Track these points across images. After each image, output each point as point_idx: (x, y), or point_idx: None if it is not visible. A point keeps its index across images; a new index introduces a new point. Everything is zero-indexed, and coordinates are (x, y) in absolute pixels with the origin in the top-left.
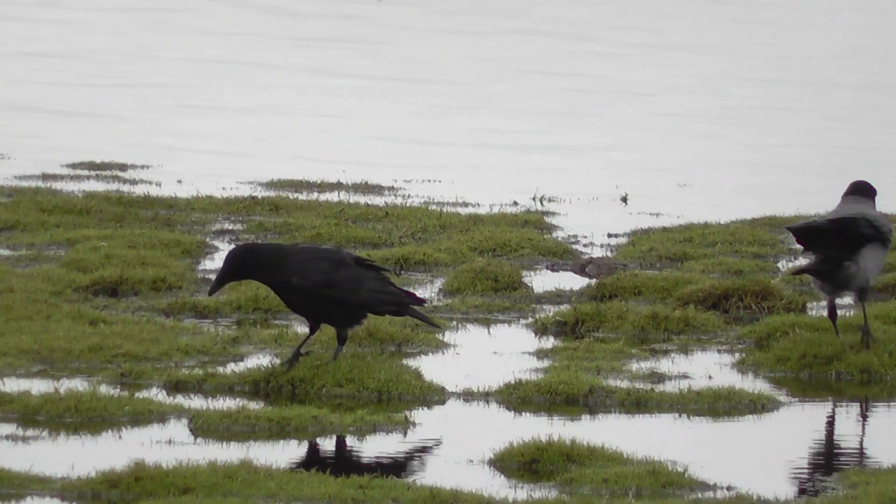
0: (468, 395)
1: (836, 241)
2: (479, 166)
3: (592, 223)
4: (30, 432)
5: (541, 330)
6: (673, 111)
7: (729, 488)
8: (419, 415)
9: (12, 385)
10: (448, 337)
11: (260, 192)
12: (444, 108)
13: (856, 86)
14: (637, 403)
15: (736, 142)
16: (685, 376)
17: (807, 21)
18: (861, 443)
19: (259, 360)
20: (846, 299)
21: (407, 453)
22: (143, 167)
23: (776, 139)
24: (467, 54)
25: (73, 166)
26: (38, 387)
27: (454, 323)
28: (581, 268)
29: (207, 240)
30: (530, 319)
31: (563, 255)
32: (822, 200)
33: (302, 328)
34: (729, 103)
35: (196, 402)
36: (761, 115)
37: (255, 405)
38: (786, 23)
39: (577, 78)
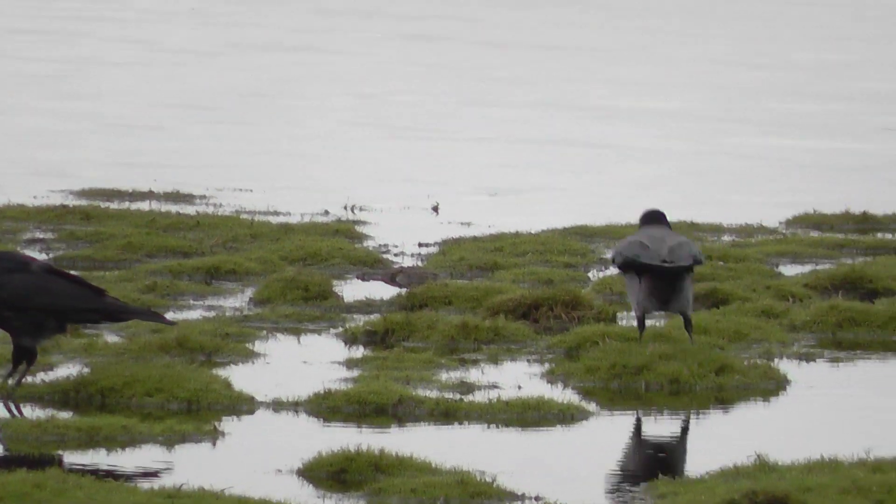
0: (278, 405)
1: (664, 274)
2: (290, 175)
3: (403, 232)
4: None
5: (351, 339)
6: (487, 117)
7: (537, 498)
8: (229, 424)
9: None
10: (258, 346)
11: (71, 201)
12: (246, 116)
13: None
14: (446, 413)
15: (548, 149)
16: (495, 386)
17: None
18: (670, 453)
19: (69, 370)
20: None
21: (216, 463)
22: None
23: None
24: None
25: None
26: None
27: (264, 332)
28: (391, 277)
29: (19, 248)
30: (340, 329)
31: (373, 265)
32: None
33: (112, 337)
34: (535, 110)
35: (4, 412)
36: (562, 118)
37: (65, 414)
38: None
39: (386, 88)
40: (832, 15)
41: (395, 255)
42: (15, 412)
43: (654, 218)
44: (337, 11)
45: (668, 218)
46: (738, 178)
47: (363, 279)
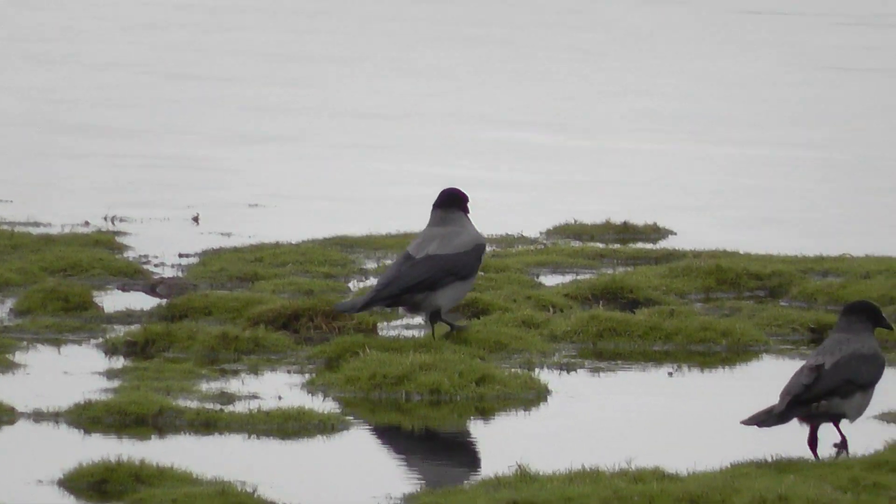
0: (38, 415)
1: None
2: (51, 186)
3: (163, 243)
4: None
5: (111, 350)
6: (242, 126)
7: None
8: None
9: None
10: (18, 357)
11: None
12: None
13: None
14: (207, 424)
15: (308, 159)
16: (255, 396)
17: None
18: (430, 463)
19: None
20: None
21: None
22: None
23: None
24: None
25: None
26: None
27: (24, 343)
28: (152, 288)
29: None
30: (101, 339)
31: (134, 275)
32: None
33: None
34: (304, 118)
35: None
36: (326, 126)
37: None
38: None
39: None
40: None
41: (156, 265)
42: None
43: (444, 203)
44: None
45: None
46: (497, 189)
47: (124, 290)
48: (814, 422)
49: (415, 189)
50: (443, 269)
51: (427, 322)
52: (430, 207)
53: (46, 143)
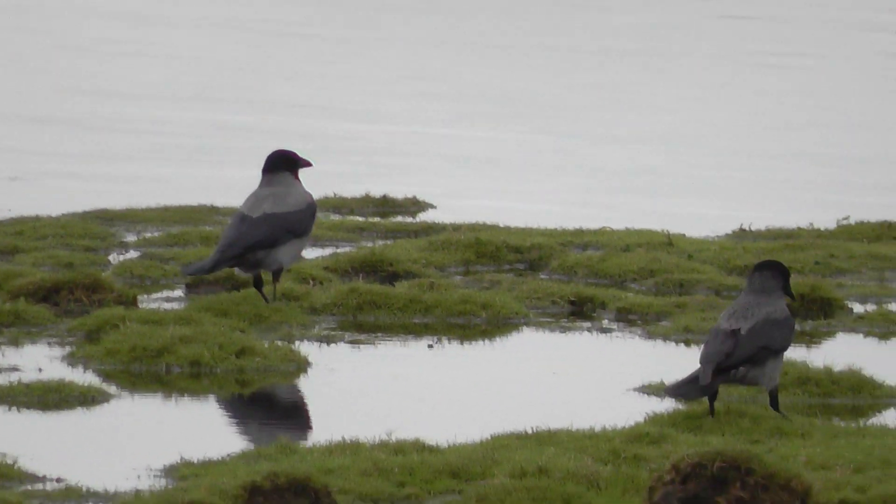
0: None
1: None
2: None
3: None
4: None
5: None
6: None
7: (59, 480)
8: None
9: None
10: None
11: None
12: None
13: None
14: None
15: (66, 134)
16: (15, 369)
17: None
18: (191, 435)
19: None
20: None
21: None
22: None
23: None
24: None
25: None
26: None
27: None
28: None
29: None
30: None
31: None
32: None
33: None
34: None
35: None
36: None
37: None
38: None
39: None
40: None
41: None
42: None
43: (273, 166)
44: None
45: (190, 202)
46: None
47: None
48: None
49: (176, 165)
50: (281, 226)
51: (273, 282)
52: (266, 170)
53: None
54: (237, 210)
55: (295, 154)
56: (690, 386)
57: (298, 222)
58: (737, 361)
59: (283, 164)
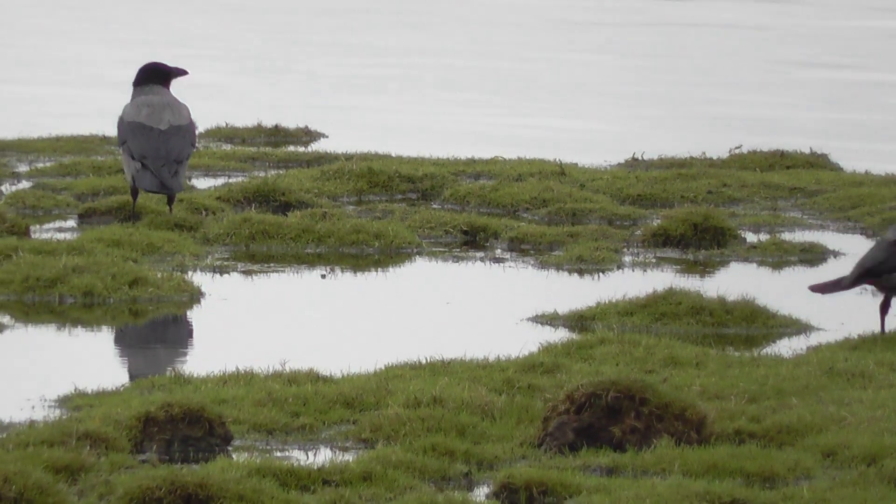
0: None
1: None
2: None
3: None
4: None
5: None
6: None
7: None
8: None
9: None
10: None
11: None
12: None
13: None
14: None
15: None
16: None
17: None
18: (83, 365)
19: None
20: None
21: None
22: None
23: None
24: None
25: None
26: None
27: None
28: None
29: None
30: None
31: None
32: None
33: None
34: None
35: None
36: None
37: None
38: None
39: None
40: None
41: None
42: None
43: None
44: None
45: (82, 132)
46: None
47: None
48: (886, 292)
49: (66, 91)
50: (191, 141)
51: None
52: (149, 81)
53: None
54: (149, 125)
55: (166, 65)
56: (836, 284)
57: (194, 136)
58: (889, 268)
59: (155, 77)
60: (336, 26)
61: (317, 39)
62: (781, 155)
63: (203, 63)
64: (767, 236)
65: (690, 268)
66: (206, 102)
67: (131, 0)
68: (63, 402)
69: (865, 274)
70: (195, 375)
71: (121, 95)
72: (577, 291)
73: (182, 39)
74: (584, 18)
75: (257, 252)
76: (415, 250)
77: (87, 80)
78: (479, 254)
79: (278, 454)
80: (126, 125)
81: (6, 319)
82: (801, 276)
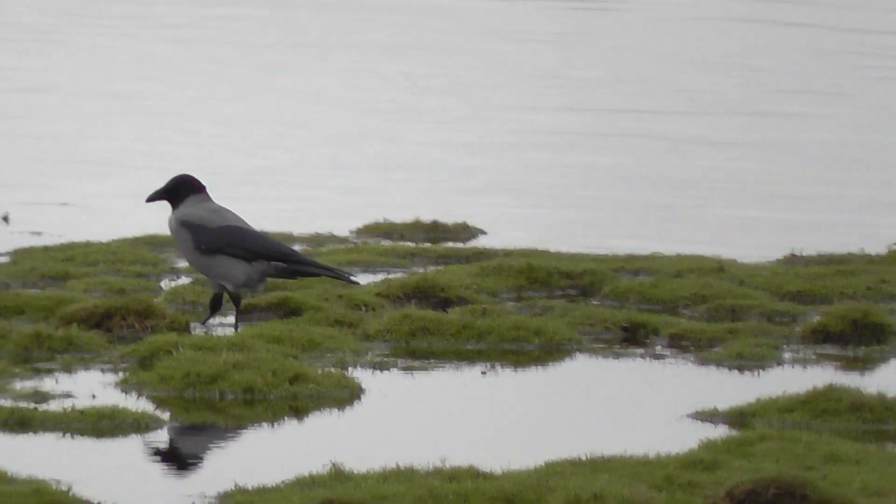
0: None
1: None
2: None
3: None
4: None
5: None
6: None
7: None
8: None
9: None
10: None
11: None
12: None
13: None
14: (21, 422)
15: (122, 158)
16: (69, 395)
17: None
18: (247, 460)
19: None
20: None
21: None
22: None
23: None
24: None
25: None
26: None
27: None
28: None
29: None
30: None
31: None
32: None
33: None
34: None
35: None
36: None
37: None
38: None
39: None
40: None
41: None
42: None
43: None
44: None
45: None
46: (304, 188)
47: None
48: None
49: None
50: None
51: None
52: (199, 190)
53: None
54: (240, 226)
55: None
56: None
57: None
58: None
59: (196, 186)
60: (494, 127)
61: (472, 139)
62: None
63: (360, 159)
64: None
65: (850, 364)
66: (364, 197)
67: (289, 101)
68: (224, 498)
69: None
70: (355, 472)
71: (269, 193)
72: (737, 388)
73: (345, 135)
74: (753, 108)
75: (417, 348)
76: (574, 347)
77: (237, 181)
78: (639, 350)
79: None
80: (219, 230)
81: (167, 415)
82: None
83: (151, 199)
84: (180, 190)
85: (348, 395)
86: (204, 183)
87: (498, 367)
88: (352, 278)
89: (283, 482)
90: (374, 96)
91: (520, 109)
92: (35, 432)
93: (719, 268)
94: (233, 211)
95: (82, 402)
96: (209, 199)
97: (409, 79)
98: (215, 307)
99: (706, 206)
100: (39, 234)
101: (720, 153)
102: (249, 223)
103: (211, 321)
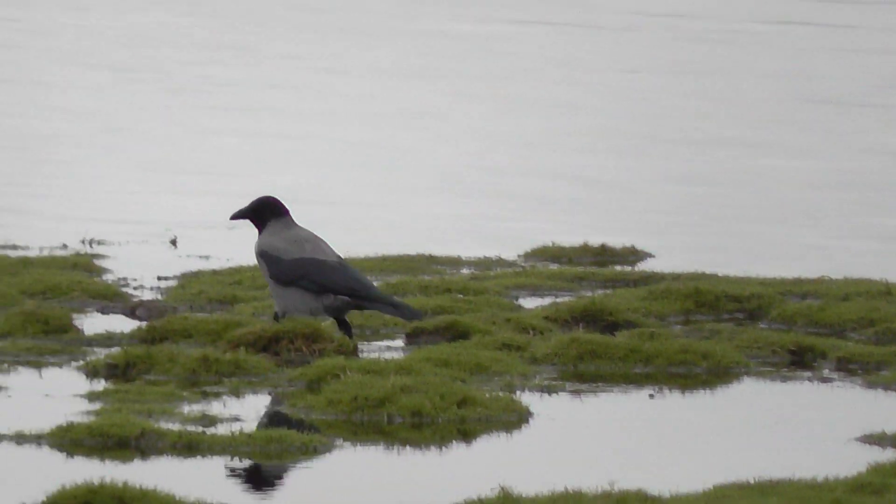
0: (20, 438)
1: None
2: (28, 208)
3: (142, 266)
4: None
5: (92, 372)
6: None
7: None
8: None
9: None
10: None
11: None
12: None
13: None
14: (189, 446)
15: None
16: (237, 419)
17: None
18: (414, 485)
19: None
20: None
21: None
22: None
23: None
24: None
25: None
26: None
27: (5, 365)
28: (131, 310)
29: None
30: (81, 362)
31: (112, 298)
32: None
33: None
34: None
35: None
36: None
37: None
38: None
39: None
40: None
41: (135, 288)
42: None
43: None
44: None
45: (408, 252)
46: (474, 213)
47: (103, 313)
48: None
49: (389, 212)
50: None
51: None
52: (282, 213)
53: (20, 164)
54: (315, 258)
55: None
56: None
57: None
58: None
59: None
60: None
61: (640, 167)
62: None
63: (522, 181)
64: None
65: None
66: (534, 221)
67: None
68: None
69: None
70: (524, 495)
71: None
72: None
73: (509, 161)
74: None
75: (585, 371)
76: (742, 370)
77: (409, 201)
78: (807, 373)
79: None
80: (294, 262)
81: (334, 439)
82: None
83: (235, 216)
84: (263, 212)
85: (516, 418)
86: (287, 207)
87: (665, 391)
88: (416, 312)
89: None
90: (542, 125)
91: (689, 144)
92: (203, 455)
93: (887, 291)
94: (315, 236)
95: (250, 426)
96: (292, 223)
97: (574, 107)
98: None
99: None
100: (207, 257)
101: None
102: (330, 249)
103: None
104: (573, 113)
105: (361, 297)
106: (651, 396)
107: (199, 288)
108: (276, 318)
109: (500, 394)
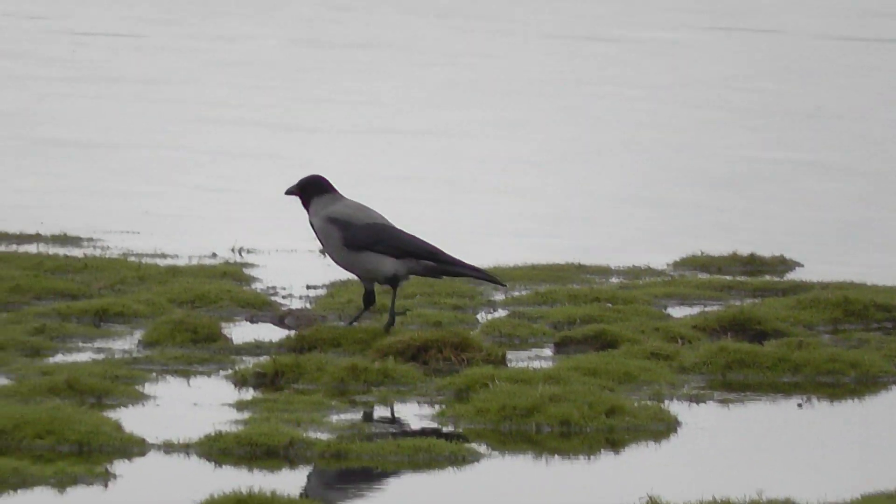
0: (169, 447)
1: None
2: (178, 217)
3: (291, 275)
4: None
5: (240, 381)
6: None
7: None
8: (120, 466)
9: None
10: (148, 388)
11: None
12: (130, 164)
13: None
14: (337, 455)
15: (412, 185)
16: (385, 428)
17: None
18: (562, 495)
19: None
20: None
21: None
22: None
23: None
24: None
25: None
26: None
27: (154, 374)
28: (280, 319)
29: None
30: (230, 371)
31: (261, 307)
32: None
33: (0, 379)
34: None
35: None
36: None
37: None
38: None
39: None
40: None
41: (284, 297)
42: None
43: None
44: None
45: (557, 261)
46: (622, 221)
47: (252, 321)
48: None
49: (537, 221)
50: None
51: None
52: (336, 190)
53: (170, 174)
54: (387, 224)
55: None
56: None
57: None
58: None
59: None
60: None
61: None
62: None
63: (671, 188)
64: None
65: None
66: (680, 230)
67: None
68: None
69: None
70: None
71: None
72: None
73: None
74: None
75: (733, 380)
76: (891, 379)
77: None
78: None
79: None
80: (367, 227)
81: (482, 448)
82: None
83: (289, 192)
84: (309, 189)
85: (664, 427)
86: (335, 185)
87: (814, 400)
88: (500, 280)
89: None
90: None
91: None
92: (351, 465)
93: None
94: (373, 208)
95: (398, 435)
96: (340, 197)
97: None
98: (368, 303)
99: None
100: None
101: None
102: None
103: (394, 323)
104: (733, 119)
105: (444, 261)
106: (799, 406)
107: (347, 297)
108: (368, 297)
109: (649, 403)
